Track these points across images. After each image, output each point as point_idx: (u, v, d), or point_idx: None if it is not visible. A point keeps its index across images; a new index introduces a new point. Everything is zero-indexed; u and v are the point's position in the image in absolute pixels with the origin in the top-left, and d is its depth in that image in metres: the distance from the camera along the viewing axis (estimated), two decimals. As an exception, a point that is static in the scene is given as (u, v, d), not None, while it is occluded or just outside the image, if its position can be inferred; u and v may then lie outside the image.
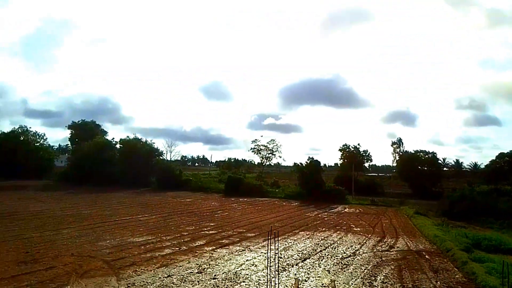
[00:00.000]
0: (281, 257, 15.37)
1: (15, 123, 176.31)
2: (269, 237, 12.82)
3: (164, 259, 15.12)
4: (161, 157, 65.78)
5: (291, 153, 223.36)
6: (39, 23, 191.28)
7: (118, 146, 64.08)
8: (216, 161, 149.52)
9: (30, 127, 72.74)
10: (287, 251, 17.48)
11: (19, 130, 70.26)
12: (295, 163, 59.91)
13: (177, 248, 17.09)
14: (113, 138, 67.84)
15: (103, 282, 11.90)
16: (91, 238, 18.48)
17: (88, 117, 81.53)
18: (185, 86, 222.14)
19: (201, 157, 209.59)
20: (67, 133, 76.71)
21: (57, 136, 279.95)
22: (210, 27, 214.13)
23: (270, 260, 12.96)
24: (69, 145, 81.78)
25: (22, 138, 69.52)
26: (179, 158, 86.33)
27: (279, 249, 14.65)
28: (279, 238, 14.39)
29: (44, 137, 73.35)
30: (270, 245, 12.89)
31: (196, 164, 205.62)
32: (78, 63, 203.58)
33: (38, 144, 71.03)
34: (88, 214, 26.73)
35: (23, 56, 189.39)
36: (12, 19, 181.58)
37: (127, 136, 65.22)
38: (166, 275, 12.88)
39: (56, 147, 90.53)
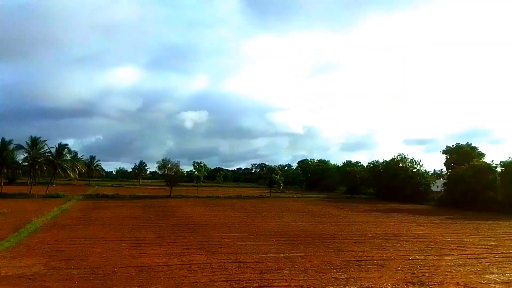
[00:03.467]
0: None
1: (394, 151, 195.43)
2: None
3: None
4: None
5: None
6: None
7: (498, 169, 57.35)
8: None
9: (407, 154, 78.36)
10: None
11: (398, 158, 77.32)
12: None
13: None
14: (492, 161, 61.54)
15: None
16: (476, 269, 17.21)
17: (463, 141, 78.41)
18: None
19: None
20: (442, 158, 77.30)
21: (432, 161, 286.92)
22: None
23: None
24: (444, 169, 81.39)
25: (401, 165, 75.96)
26: None
27: None
28: None
29: (420, 163, 76.78)
30: None
31: None
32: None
33: (415, 170, 75.16)
34: (470, 243, 25.15)
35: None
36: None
37: (509, 157, 57.27)
38: None
39: (431, 172, 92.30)
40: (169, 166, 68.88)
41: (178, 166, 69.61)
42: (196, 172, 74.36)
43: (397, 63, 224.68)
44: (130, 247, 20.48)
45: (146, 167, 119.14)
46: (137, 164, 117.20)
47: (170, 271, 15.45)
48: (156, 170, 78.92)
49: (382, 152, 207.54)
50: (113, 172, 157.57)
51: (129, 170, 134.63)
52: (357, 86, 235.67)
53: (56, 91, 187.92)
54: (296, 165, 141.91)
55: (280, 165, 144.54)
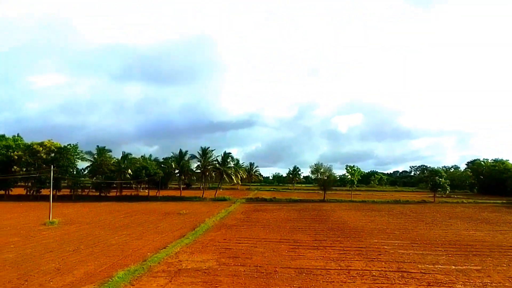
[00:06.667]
0: None
1: None
2: None
3: None
4: None
5: None
6: None
7: None
8: None
9: None
10: None
11: None
12: None
13: None
14: None
15: None
16: None
17: None
18: None
19: None
20: None
21: None
22: None
23: None
24: None
25: None
26: None
27: None
28: None
29: None
30: None
31: None
32: None
33: None
34: None
35: None
36: None
37: None
38: None
39: None
40: (321, 170, 69.39)
41: (330, 170, 69.54)
42: (349, 176, 72.99)
43: None
44: (288, 249, 21.21)
45: (299, 172, 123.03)
46: (292, 169, 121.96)
47: (329, 276, 15.34)
48: (309, 174, 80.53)
49: None
50: (270, 177, 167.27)
51: (284, 175, 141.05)
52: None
53: (224, 107, 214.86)
54: (465, 166, 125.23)
55: (444, 166, 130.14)
